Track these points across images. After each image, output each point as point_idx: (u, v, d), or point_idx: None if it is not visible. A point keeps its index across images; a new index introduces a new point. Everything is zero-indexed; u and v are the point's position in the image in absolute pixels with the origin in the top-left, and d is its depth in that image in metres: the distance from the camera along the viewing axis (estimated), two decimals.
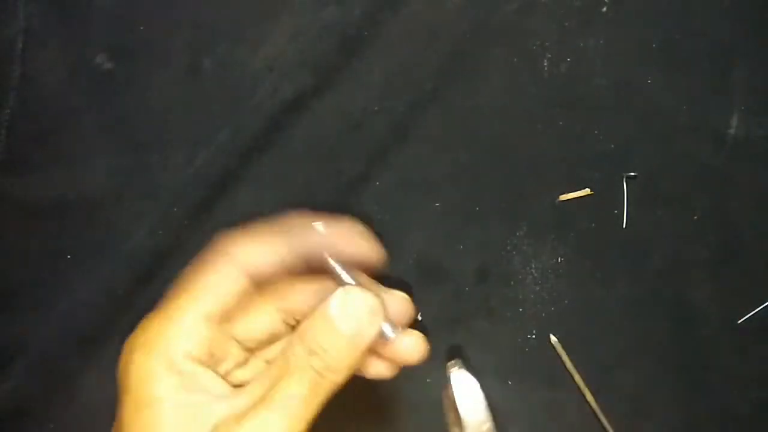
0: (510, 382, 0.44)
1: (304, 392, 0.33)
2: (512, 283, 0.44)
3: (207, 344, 0.35)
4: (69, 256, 0.45)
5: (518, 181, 0.45)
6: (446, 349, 0.44)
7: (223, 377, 0.35)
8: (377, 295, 0.34)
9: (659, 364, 0.44)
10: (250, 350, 0.38)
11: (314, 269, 0.36)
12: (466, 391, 0.42)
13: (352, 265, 0.36)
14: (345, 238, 0.37)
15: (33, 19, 0.46)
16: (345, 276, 0.36)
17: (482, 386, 0.43)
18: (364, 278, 0.37)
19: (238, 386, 0.35)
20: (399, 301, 0.37)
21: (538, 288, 0.44)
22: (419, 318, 0.44)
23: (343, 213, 0.45)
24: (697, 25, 0.45)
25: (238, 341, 0.37)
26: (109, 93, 0.46)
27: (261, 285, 0.37)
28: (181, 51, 0.46)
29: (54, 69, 0.46)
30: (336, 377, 0.33)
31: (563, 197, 0.45)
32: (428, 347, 0.36)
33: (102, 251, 0.44)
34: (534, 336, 0.44)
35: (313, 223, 0.36)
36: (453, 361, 0.43)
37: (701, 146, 0.45)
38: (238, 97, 0.45)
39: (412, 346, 0.36)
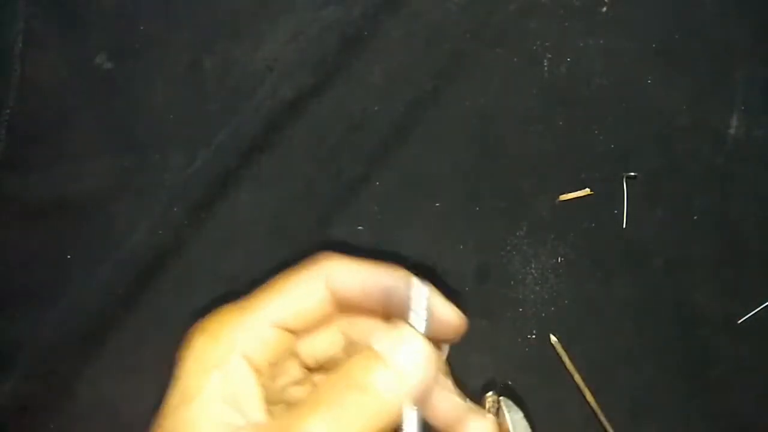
0: (510, 382, 0.44)
1: (323, 427, 0.29)
2: (512, 283, 0.44)
3: (270, 350, 0.33)
4: (69, 256, 0.45)
5: (518, 181, 0.45)
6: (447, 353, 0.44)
7: (276, 391, 0.34)
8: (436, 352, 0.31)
9: (659, 364, 0.44)
10: (309, 369, 0.36)
11: (394, 313, 0.34)
12: (517, 421, 0.42)
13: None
14: (438, 296, 0.34)
15: (33, 19, 0.46)
16: (420, 312, 0.33)
17: (484, 387, 0.43)
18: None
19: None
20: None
21: (538, 288, 0.44)
22: None
23: (343, 213, 0.45)
24: (697, 25, 0.45)
25: (298, 356, 0.36)
26: (109, 93, 0.46)
27: (340, 307, 0.35)
28: (181, 51, 0.46)
29: (54, 69, 0.46)
30: (368, 417, 0.29)
31: (563, 197, 0.45)
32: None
33: (102, 251, 0.44)
34: (534, 336, 0.44)
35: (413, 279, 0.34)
36: (492, 393, 0.43)
37: (701, 146, 0.45)
38: (238, 97, 0.45)
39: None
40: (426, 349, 0.31)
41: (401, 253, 0.44)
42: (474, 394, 0.44)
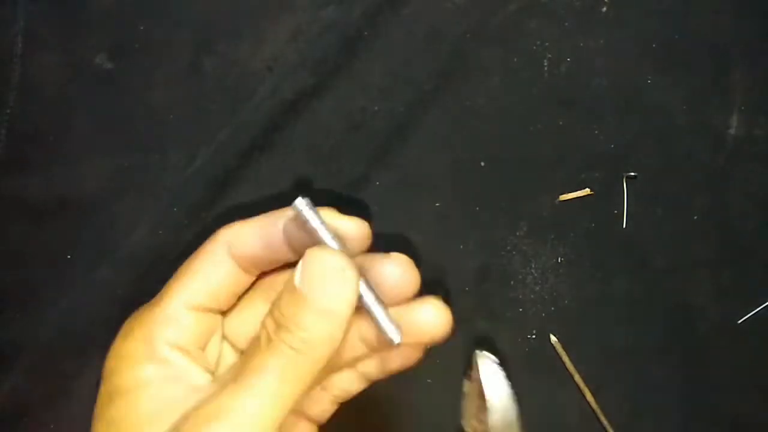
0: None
1: (277, 369, 0.29)
2: (512, 283, 0.44)
3: (193, 334, 0.33)
4: (69, 256, 0.45)
5: (518, 181, 0.45)
6: (447, 349, 0.44)
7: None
8: (348, 255, 0.31)
9: (659, 364, 0.44)
10: (243, 352, 0.36)
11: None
12: (493, 377, 0.41)
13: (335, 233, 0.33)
14: (332, 213, 0.34)
15: (33, 19, 0.46)
16: (313, 222, 0.32)
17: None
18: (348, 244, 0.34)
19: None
20: (395, 264, 0.34)
21: (538, 288, 0.44)
22: None
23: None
24: (697, 25, 0.45)
25: (228, 340, 0.35)
26: (109, 93, 0.46)
27: (250, 272, 0.35)
28: (181, 51, 0.46)
29: (54, 69, 0.46)
30: (315, 352, 0.30)
31: (563, 197, 0.45)
32: (450, 318, 0.34)
33: (102, 251, 0.44)
34: (534, 336, 0.44)
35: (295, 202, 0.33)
36: (479, 349, 0.42)
37: (701, 146, 0.45)
38: (238, 97, 0.45)
39: (429, 317, 0.33)
40: (336, 263, 0.31)
41: (401, 253, 0.44)
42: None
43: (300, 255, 0.32)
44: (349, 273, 0.31)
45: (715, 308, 0.44)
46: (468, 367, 0.43)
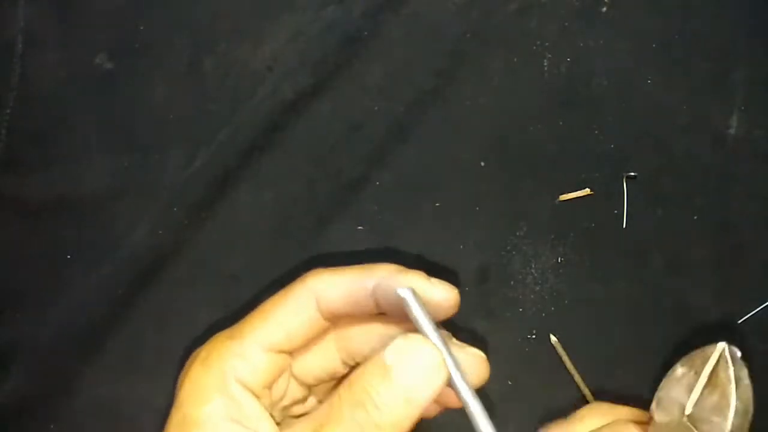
0: (510, 382, 0.44)
1: None
2: (512, 283, 0.44)
3: (264, 374, 0.34)
4: (69, 256, 0.45)
5: (518, 181, 0.45)
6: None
7: (279, 412, 0.34)
8: (446, 350, 0.31)
9: (659, 364, 0.44)
10: (309, 387, 0.36)
11: (386, 312, 0.34)
12: (742, 378, 0.37)
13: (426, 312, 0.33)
14: (422, 281, 0.34)
15: (33, 19, 0.46)
16: (419, 316, 0.32)
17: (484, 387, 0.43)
18: (441, 331, 0.33)
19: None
20: (472, 360, 0.35)
21: (538, 288, 0.44)
22: None
23: (343, 213, 0.45)
24: (697, 25, 0.45)
25: (295, 376, 0.36)
26: (109, 93, 0.46)
27: (333, 320, 0.35)
28: (181, 51, 0.46)
29: (54, 69, 0.46)
30: None
31: (563, 197, 0.45)
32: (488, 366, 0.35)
33: (102, 251, 0.44)
34: (534, 336, 0.44)
35: (397, 277, 0.33)
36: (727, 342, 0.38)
37: (701, 146, 0.45)
38: (238, 97, 0.45)
39: (470, 366, 0.34)
40: (434, 359, 0.31)
41: (401, 253, 0.44)
42: None
43: (383, 311, 0.33)
44: (443, 371, 0.31)
45: (715, 308, 0.44)
46: (693, 357, 0.38)
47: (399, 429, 0.30)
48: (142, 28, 0.46)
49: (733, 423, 0.35)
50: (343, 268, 0.36)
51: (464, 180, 0.45)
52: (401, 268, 0.35)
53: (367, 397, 0.30)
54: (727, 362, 0.37)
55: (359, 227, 0.45)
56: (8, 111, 0.45)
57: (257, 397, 0.33)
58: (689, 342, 0.44)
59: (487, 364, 0.35)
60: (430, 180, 0.45)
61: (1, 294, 0.45)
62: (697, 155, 0.45)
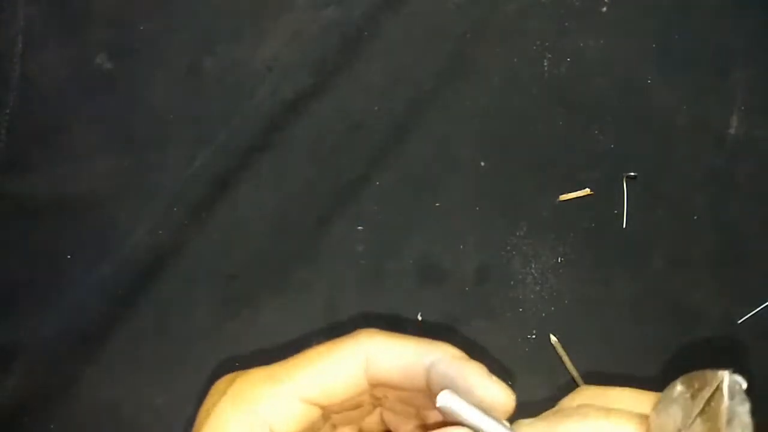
0: (510, 382, 0.44)
1: None
2: (512, 283, 0.44)
3: (297, 424, 0.32)
4: (69, 256, 0.45)
5: (518, 181, 0.45)
6: None
7: None
8: None
9: (659, 364, 0.44)
10: (333, 425, 0.35)
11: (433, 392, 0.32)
12: (741, 409, 0.35)
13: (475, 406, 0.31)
14: (479, 379, 0.32)
15: (33, 19, 0.46)
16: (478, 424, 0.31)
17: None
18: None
19: None
20: None
21: (538, 288, 0.44)
22: (419, 318, 0.44)
23: (343, 213, 0.45)
24: (697, 25, 0.45)
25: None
26: (109, 93, 0.46)
27: (377, 386, 0.34)
28: (181, 51, 0.46)
29: (54, 69, 0.46)
30: None
31: (563, 197, 0.45)
32: None
33: (102, 251, 0.44)
34: (534, 336, 0.44)
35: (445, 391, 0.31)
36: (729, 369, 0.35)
37: (701, 146, 0.45)
38: (238, 97, 0.45)
39: None
40: None
41: (401, 253, 0.44)
42: None
43: (431, 390, 0.31)
44: None
45: (715, 308, 0.44)
46: (691, 380, 0.37)
47: None
48: (142, 28, 0.46)
49: None
50: (399, 335, 0.34)
51: (464, 180, 0.45)
52: (462, 355, 0.33)
53: None
54: (723, 395, 0.34)
55: (359, 227, 0.45)
56: (8, 111, 0.45)
57: None
58: (689, 342, 0.44)
59: (514, 400, 0.33)
60: (430, 180, 0.45)
61: (1, 294, 0.45)
62: (697, 155, 0.45)
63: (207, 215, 0.45)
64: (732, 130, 0.44)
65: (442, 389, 0.30)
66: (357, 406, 0.35)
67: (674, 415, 0.36)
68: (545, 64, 0.45)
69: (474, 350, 0.44)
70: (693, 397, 0.35)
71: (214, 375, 0.43)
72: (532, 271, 0.44)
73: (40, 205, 0.45)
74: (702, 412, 0.34)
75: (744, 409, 0.34)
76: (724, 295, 0.44)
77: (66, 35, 0.46)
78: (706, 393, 0.35)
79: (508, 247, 0.45)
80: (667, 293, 0.44)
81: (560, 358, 0.44)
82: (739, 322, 0.43)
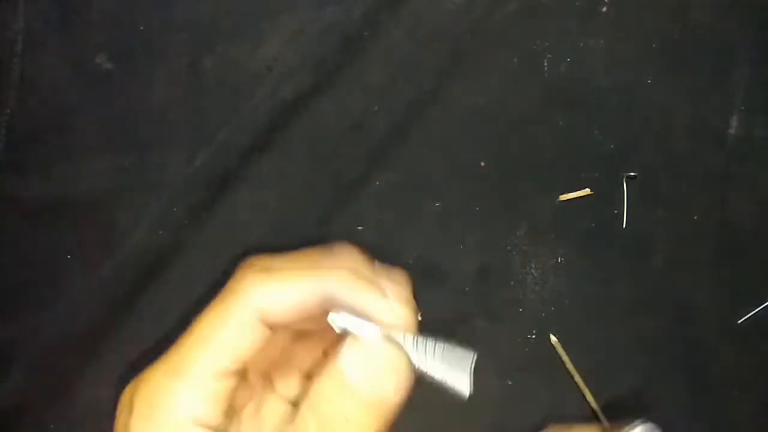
0: (510, 382, 0.44)
1: None
2: (512, 283, 0.44)
3: (219, 401, 0.30)
4: (69, 256, 0.45)
5: (518, 181, 0.45)
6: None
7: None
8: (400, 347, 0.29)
9: (659, 364, 0.44)
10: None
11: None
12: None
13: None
14: (375, 301, 0.30)
15: (33, 19, 0.46)
16: (366, 329, 0.30)
17: (482, 385, 0.43)
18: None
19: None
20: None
21: (538, 288, 0.44)
22: (419, 318, 0.44)
23: (343, 213, 0.45)
24: (697, 25, 0.45)
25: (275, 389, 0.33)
26: (109, 93, 0.46)
27: (281, 332, 0.32)
28: (181, 51, 0.46)
29: (54, 69, 0.46)
30: None
31: (563, 197, 0.45)
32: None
33: (102, 251, 0.44)
34: (534, 336, 0.44)
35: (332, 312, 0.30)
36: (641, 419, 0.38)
37: (701, 146, 0.45)
38: (238, 97, 0.45)
39: None
40: (394, 359, 0.29)
41: (401, 253, 0.44)
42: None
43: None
44: (405, 367, 0.29)
45: (715, 308, 0.44)
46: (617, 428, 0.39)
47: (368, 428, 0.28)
48: (142, 28, 0.46)
49: None
50: (282, 262, 0.31)
51: (464, 180, 0.45)
52: (355, 271, 0.31)
53: (334, 413, 0.28)
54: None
55: (359, 227, 0.45)
56: (8, 111, 0.45)
57: (220, 428, 0.30)
58: (689, 342, 0.44)
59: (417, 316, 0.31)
60: (430, 180, 0.45)
61: (1, 294, 0.45)
62: (697, 155, 0.45)
63: (207, 215, 0.45)
64: (732, 130, 0.44)
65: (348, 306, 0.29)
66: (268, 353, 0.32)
67: None
68: (545, 64, 0.45)
69: (474, 350, 0.44)
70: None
71: None
72: (532, 271, 0.44)
73: (40, 205, 0.45)
74: None
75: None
76: (724, 295, 0.44)
77: (66, 35, 0.46)
78: None
79: (508, 247, 0.45)
80: (667, 293, 0.44)
81: (560, 358, 0.44)
82: (739, 322, 0.43)
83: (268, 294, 0.30)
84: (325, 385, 0.28)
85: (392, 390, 0.28)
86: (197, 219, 0.45)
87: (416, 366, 0.30)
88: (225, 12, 0.46)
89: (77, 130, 0.45)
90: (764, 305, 0.43)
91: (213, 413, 0.30)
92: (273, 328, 0.31)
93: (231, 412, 0.31)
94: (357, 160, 0.45)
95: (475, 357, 0.31)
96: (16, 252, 0.45)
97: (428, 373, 0.30)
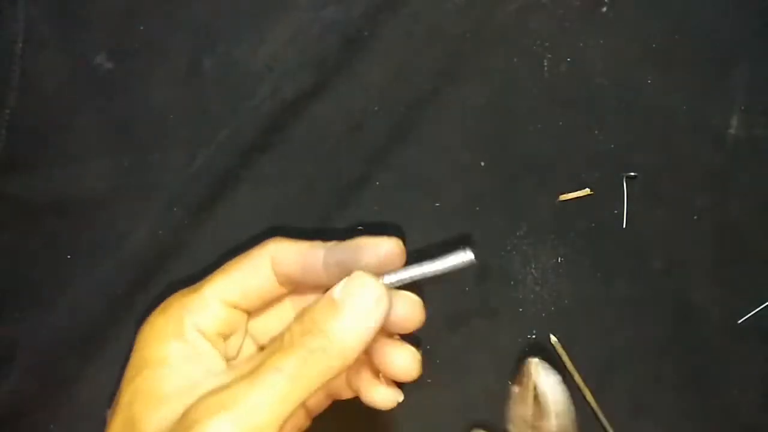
0: (510, 382, 0.44)
1: (291, 369, 0.31)
2: (512, 283, 0.44)
3: (220, 324, 0.36)
4: (69, 256, 0.45)
5: (518, 181, 0.45)
6: (448, 349, 0.44)
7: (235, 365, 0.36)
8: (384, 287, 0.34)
9: (659, 364, 0.44)
10: (263, 347, 0.38)
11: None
12: (552, 385, 0.42)
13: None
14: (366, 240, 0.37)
15: (33, 19, 0.46)
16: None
17: (484, 387, 0.43)
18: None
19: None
20: (409, 303, 0.36)
21: (538, 288, 0.44)
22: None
23: (343, 213, 0.45)
24: (697, 25, 0.45)
25: (252, 336, 0.38)
26: (109, 93, 0.46)
27: (285, 286, 0.38)
28: (181, 51, 0.46)
29: (54, 69, 0.46)
30: (331, 360, 0.32)
31: (563, 197, 0.45)
32: (423, 310, 0.36)
33: (102, 251, 0.44)
34: (534, 336, 0.44)
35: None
36: (534, 357, 0.43)
37: (701, 146, 0.45)
38: (238, 97, 0.45)
39: (402, 361, 0.36)
40: (376, 291, 0.33)
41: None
42: (472, 396, 0.44)
43: (333, 283, 0.35)
44: (385, 301, 0.33)
45: (715, 308, 0.44)
46: (520, 375, 0.43)
47: (345, 356, 0.32)
48: (142, 28, 0.46)
49: (556, 424, 0.41)
50: (304, 242, 0.38)
51: (464, 180, 0.45)
52: (360, 240, 0.37)
53: (317, 328, 0.32)
54: (539, 375, 0.41)
55: (359, 227, 0.45)
56: (8, 111, 0.45)
57: (214, 343, 0.36)
58: (689, 342, 0.44)
59: (423, 307, 0.37)
60: (430, 180, 0.45)
61: (1, 294, 0.45)
62: (697, 155, 0.45)
63: (207, 215, 0.45)
64: (732, 130, 0.44)
65: (338, 279, 0.34)
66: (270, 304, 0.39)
67: (521, 412, 0.42)
68: (545, 64, 0.45)
69: (474, 350, 0.44)
70: (525, 388, 0.42)
71: None
72: (532, 271, 0.44)
73: (40, 205, 0.45)
74: (534, 396, 0.42)
75: (556, 380, 0.42)
76: (724, 295, 0.44)
77: (66, 35, 0.46)
78: (530, 381, 0.42)
79: (508, 247, 0.45)
80: (667, 293, 0.44)
81: (560, 358, 0.44)
82: (739, 322, 0.44)
83: (282, 248, 0.37)
84: (317, 306, 0.33)
85: (371, 319, 0.33)
86: (197, 219, 0.45)
87: (422, 273, 0.36)
88: (225, 12, 0.46)
89: (77, 130, 0.45)
90: (764, 305, 0.43)
91: (212, 328, 0.36)
92: (282, 280, 0.37)
93: (230, 343, 0.37)
94: (357, 160, 0.45)
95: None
96: (16, 252, 0.45)
97: (433, 271, 0.36)
